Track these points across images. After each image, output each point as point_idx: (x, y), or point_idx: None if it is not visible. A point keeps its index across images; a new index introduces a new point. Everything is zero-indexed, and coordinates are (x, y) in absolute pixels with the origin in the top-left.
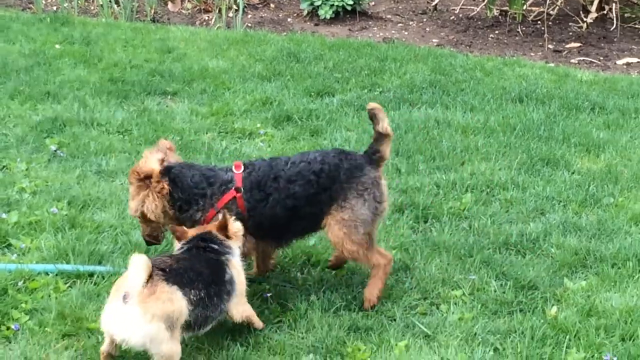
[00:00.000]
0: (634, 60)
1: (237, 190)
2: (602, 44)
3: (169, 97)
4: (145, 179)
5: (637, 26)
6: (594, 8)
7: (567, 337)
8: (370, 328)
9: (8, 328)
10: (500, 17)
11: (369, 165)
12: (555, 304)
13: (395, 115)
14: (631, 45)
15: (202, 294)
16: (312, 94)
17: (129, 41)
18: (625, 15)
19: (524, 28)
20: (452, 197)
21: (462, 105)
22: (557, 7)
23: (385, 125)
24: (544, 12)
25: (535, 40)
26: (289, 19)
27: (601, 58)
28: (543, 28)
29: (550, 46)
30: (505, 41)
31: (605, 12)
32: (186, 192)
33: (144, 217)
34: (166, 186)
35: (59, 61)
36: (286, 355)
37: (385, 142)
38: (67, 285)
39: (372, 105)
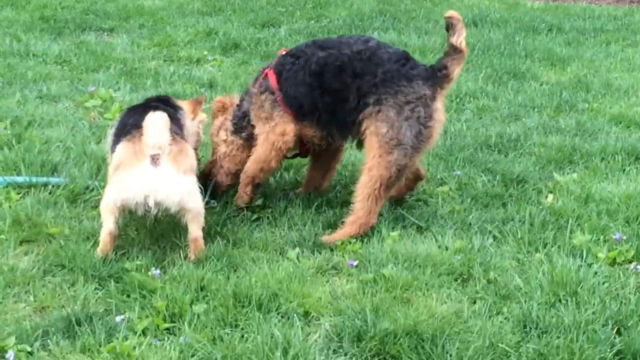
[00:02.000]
0: None
1: (270, 67)
2: None
3: (105, 33)
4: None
5: None
6: None
7: (569, 222)
8: None
9: None
10: None
11: (423, 79)
12: (549, 194)
13: None
14: None
15: None
16: (257, 25)
17: None
18: None
19: None
20: None
21: (416, 30)
22: None
23: (461, 39)
24: None
25: None
26: None
27: None
28: None
29: None
30: None
31: None
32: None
33: None
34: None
35: None
36: (270, 250)
37: (456, 58)
38: (20, 195)
39: (450, 13)
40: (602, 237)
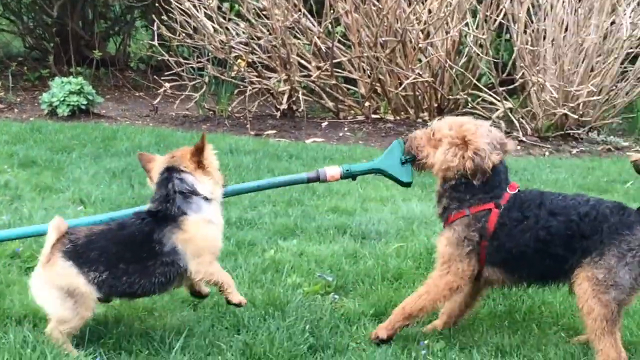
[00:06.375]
0: (319, 140)
1: (497, 206)
2: (293, 131)
3: None
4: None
5: (316, 120)
6: (284, 100)
7: (286, 267)
8: None
9: None
10: (210, 114)
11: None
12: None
13: None
14: (315, 131)
15: (105, 276)
16: (54, 150)
17: None
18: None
19: (230, 121)
20: None
21: None
22: (255, 106)
23: None
24: (245, 109)
25: (240, 129)
26: (31, 119)
27: (293, 139)
28: (245, 121)
29: (252, 132)
30: (216, 131)
31: (294, 108)
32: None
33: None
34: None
35: None
36: None
37: None
38: None
39: (635, 157)
40: (310, 277)
